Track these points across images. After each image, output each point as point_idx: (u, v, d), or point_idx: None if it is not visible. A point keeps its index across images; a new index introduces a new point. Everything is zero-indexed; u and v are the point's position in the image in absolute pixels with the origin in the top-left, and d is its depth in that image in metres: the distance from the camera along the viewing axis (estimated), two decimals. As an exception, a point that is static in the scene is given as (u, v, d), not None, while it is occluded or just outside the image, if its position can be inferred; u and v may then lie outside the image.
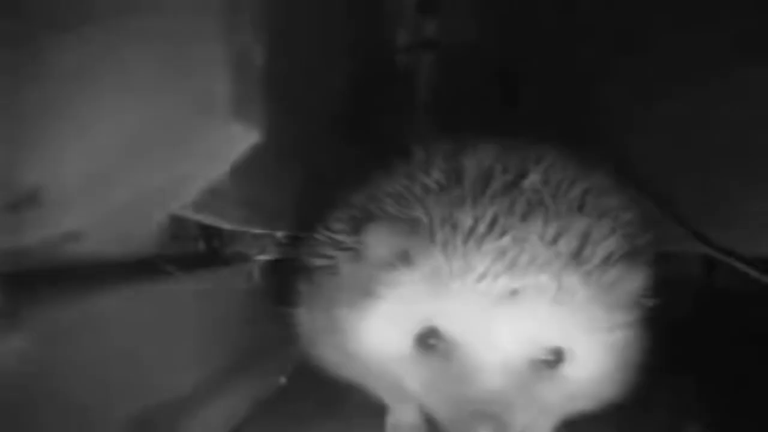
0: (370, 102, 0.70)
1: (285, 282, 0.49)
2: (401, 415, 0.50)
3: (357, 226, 0.41)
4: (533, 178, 0.41)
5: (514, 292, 0.37)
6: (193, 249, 0.51)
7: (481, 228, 0.38)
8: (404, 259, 0.39)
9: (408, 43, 0.79)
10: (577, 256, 0.38)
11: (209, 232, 0.52)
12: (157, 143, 0.34)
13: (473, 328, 0.38)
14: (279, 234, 0.55)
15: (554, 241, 0.38)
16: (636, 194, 0.49)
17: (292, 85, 0.49)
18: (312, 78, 0.56)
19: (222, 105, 0.34)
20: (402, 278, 0.39)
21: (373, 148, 0.51)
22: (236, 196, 0.45)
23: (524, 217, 0.39)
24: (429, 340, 0.39)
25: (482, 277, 0.37)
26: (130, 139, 0.32)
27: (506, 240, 0.38)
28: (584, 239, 0.39)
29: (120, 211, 0.35)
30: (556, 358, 0.39)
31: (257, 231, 0.52)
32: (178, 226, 0.46)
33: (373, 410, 0.51)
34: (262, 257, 0.55)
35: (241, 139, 0.36)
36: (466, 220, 0.39)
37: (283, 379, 0.57)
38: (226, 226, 0.47)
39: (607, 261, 0.39)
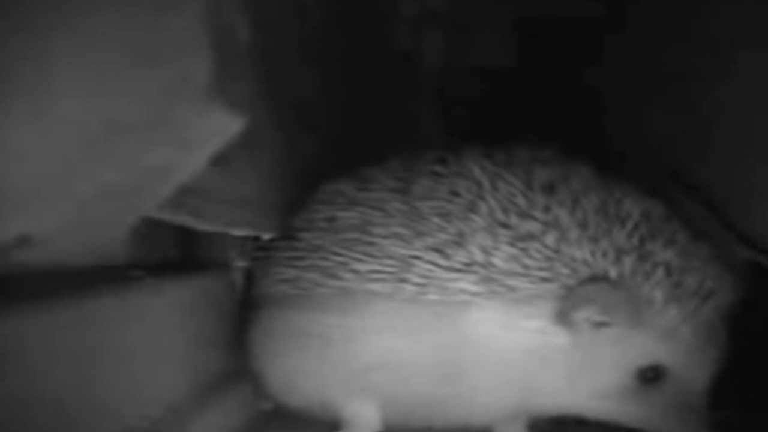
0: (369, 86, 0.68)
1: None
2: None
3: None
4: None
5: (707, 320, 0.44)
6: (167, 254, 0.50)
7: (651, 262, 0.43)
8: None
9: (411, 17, 0.77)
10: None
11: (186, 235, 0.50)
12: (125, 132, 0.31)
13: (688, 361, 0.44)
14: (266, 237, 0.53)
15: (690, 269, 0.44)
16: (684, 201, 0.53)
17: (281, 66, 0.47)
18: (303, 58, 0.54)
19: (201, 88, 0.32)
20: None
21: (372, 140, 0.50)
22: (217, 194, 0.44)
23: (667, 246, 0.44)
24: (647, 375, 0.44)
25: (679, 311, 0.43)
26: (95, 126, 0.30)
27: (676, 271, 0.44)
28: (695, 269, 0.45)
29: (83, 212, 0.32)
30: None
31: (241, 233, 0.50)
32: (150, 228, 0.43)
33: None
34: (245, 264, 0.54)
35: (223, 127, 0.34)
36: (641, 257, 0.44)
37: (268, 405, 0.54)
38: (205, 227, 0.45)
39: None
